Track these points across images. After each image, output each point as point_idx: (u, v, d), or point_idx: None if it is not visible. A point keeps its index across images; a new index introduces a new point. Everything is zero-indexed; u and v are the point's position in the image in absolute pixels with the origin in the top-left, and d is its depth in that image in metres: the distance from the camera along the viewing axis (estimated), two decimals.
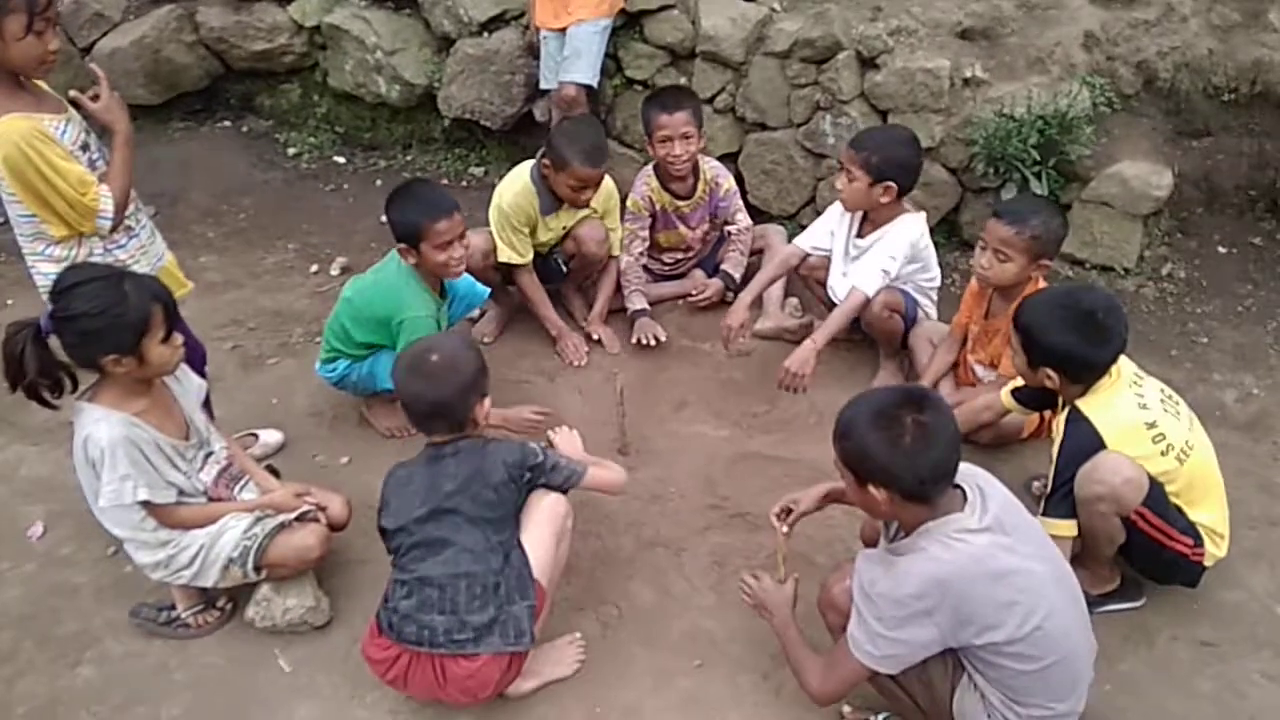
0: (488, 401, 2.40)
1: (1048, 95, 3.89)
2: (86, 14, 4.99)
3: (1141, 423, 2.42)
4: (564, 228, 3.72)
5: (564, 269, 3.86)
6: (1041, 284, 3.03)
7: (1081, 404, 2.46)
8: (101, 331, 2.27)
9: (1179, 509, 2.46)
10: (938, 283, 3.58)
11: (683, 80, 4.42)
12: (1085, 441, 2.41)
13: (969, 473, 2.05)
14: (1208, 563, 2.52)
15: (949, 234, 4.29)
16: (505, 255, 3.60)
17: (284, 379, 3.62)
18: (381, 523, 2.39)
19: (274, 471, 2.87)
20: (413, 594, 2.29)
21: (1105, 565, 2.58)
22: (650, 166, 3.91)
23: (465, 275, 3.45)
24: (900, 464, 1.92)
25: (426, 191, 3.13)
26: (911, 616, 1.94)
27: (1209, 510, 2.51)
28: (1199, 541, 2.47)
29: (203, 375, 2.94)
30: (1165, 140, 4.13)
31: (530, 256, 3.64)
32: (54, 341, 2.34)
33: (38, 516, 3.02)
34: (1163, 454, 2.41)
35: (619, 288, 3.90)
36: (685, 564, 2.84)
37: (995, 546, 1.93)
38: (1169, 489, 2.44)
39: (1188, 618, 2.63)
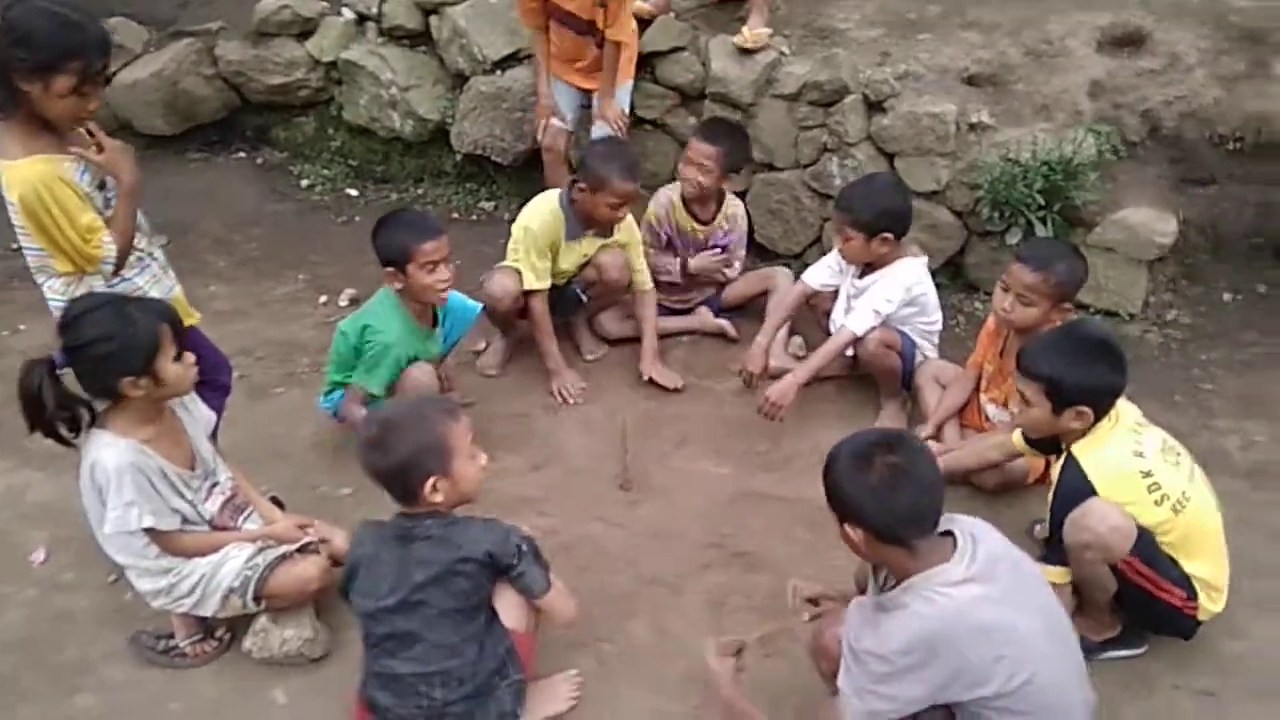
0: (443, 484, 2.22)
1: (1053, 141, 3.92)
2: None
3: (1136, 470, 2.41)
4: (584, 255, 3.75)
5: (582, 298, 3.88)
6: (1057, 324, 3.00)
7: (1076, 449, 2.46)
8: (114, 355, 2.30)
9: (1173, 560, 2.43)
10: (939, 326, 3.59)
11: (691, 120, 4.47)
12: (1076, 487, 2.41)
13: (963, 521, 2.04)
14: (1202, 617, 2.49)
15: (953, 276, 4.30)
16: (526, 280, 3.61)
17: (289, 409, 3.64)
18: (350, 598, 2.35)
19: (278, 503, 2.88)
20: (388, 688, 2.27)
21: (1104, 612, 2.56)
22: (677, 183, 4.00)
23: (453, 293, 3.46)
24: (868, 503, 1.94)
25: (414, 216, 3.28)
26: (897, 673, 1.93)
27: (1205, 563, 2.48)
28: (1192, 594, 2.45)
29: (227, 388, 3.03)
30: (1170, 187, 4.15)
31: (548, 284, 3.66)
32: (69, 377, 2.36)
33: (41, 542, 3.03)
34: (1157, 504, 2.39)
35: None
36: (684, 603, 2.83)
37: (980, 599, 1.91)
38: (1164, 539, 2.41)
39: (1189, 666, 2.61)
